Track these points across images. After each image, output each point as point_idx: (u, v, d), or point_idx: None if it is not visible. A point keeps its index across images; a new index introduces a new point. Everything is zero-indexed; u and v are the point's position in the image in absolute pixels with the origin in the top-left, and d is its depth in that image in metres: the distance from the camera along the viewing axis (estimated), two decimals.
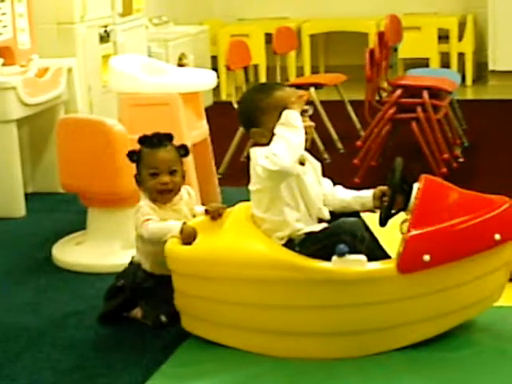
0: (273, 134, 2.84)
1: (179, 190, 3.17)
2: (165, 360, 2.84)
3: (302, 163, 2.94)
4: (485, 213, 2.77)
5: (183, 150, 3.21)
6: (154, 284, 3.11)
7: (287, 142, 2.79)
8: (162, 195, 3.13)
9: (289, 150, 2.77)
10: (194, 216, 3.16)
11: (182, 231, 2.96)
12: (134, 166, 3.19)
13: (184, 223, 3.00)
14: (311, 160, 3.02)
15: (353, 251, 2.72)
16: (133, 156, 3.18)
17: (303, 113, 2.92)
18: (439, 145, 4.94)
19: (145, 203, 3.10)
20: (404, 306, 2.74)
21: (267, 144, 2.85)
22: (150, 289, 3.11)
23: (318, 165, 3.04)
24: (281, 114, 2.86)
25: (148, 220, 3.04)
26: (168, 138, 3.19)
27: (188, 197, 3.22)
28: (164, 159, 3.13)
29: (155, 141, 3.16)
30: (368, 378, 2.68)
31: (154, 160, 3.13)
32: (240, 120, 3.02)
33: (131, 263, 3.18)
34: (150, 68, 4.17)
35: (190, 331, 2.97)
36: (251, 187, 2.92)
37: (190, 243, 2.95)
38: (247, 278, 2.79)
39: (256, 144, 2.93)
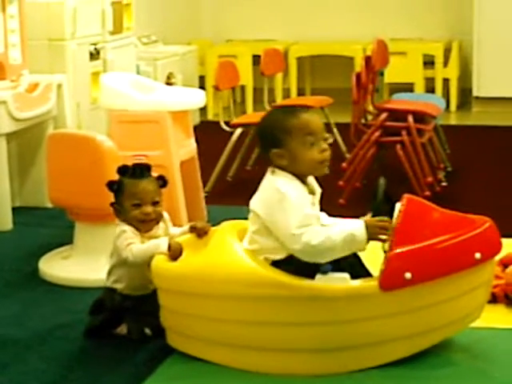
0: (293, 157, 2.81)
1: (160, 219, 3.19)
2: (150, 374, 2.86)
3: (312, 193, 2.92)
4: (466, 232, 2.80)
5: (162, 181, 3.22)
6: (134, 303, 3.13)
7: (332, 246, 2.75)
8: (144, 224, 3.14)
9: (325, 252, 2.75)
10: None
11: (169, 247, 2.99)
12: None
13: (170, 239, 3.03)
14: (316, 187, 2.97)
15: (336, 269, 2.76)
16: (113, 186, 3.19)
17: (324, 140, 2.89)
18: (423, 168, 5.00)
19: (128, 228, 3.11)
20: (385, 324, 2.77)
21: (286, 167, 2.82)
22: (130, 307, 3.13)
23: (319, 191, 2.99)
24: (303, 137, 2.83)
25: (131, 243, 3.06)
26: (148, 168, 3.22)
27: (163, 222, 3.23)
28: (147, 190, 3.15)
29: (137, 171, 3.18)
30: None
31: (137, 191, 3.14)
32: (259, 140, 2.94)
33: (106, 288, 3.18)
34: (140, 86, 4.18)
35: (175, 347, 2.98)
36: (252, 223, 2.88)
37: (176, 259, 2.98)
38: (232, 295, 2.82)
39: (275, 166, 2.86)
